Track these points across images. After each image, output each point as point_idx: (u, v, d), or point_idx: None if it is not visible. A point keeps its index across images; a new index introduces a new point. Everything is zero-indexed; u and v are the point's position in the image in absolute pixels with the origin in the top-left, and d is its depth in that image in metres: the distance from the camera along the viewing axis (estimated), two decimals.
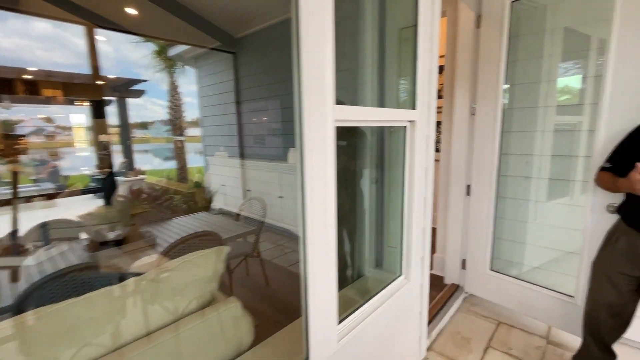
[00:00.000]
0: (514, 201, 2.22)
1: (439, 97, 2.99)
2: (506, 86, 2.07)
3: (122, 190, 4.53)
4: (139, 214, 3.35)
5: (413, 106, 1.38)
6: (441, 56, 2.45)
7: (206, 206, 4.87)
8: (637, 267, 1.36)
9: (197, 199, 5.31)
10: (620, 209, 1.48)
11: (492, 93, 2.08)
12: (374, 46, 1.54)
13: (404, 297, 1.50)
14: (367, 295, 1.39)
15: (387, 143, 1.64)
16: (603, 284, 1.48)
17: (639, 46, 1.54)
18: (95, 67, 3.25)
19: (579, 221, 1.83)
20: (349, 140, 2.08)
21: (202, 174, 5.79)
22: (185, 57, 5.72)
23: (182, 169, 7.09)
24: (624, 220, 1.43)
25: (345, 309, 1.26)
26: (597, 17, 1.83)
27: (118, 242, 2.25)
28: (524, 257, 2.23)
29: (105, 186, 3.62)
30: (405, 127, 1.39)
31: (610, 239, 1.47)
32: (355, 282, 1.58)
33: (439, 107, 2.61)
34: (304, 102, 0.83)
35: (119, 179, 5.46)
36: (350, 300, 1.37)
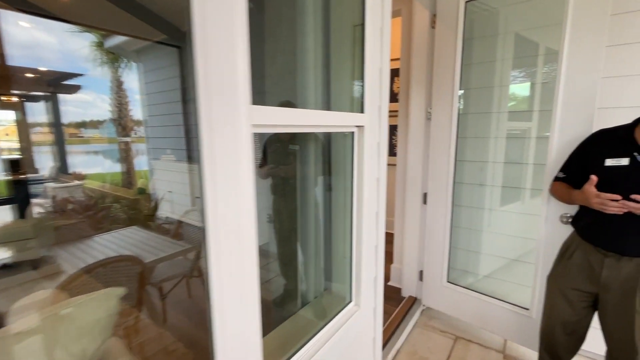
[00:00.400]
0: (470, 209, 2.14)
1: (396, 100, 2.89)
2: (461, 92, 1.99)
3: (44, 199, 3.95)
4: (61, 229, 2.87)
5: (361, 110, 1.20)
6: (397, 59, 2.34)
7: (151, 215, 4.40)
8: (593, 283, 1.29)
9: (140, 207, 4.80)
10: (574, 221, 1.42)
11: (447, 96, 1.98)
12: (322, 44, 1.34)
13: (355, 326, 1.32)
14: (310, 330, 1.18)
15: (341, 149, 1.45)
16: (558, 301, 1.40)
17: (589, 54, 1.50)
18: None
19: (533, 230, 1.78)
20: (301, 144, 1.88)
21: (147, 179, 5.28)
22: (127, 50, 5.18)
23: (129, 173, 6.45)
24: (578, 233, 1.36)
25: (283, 352, 1.04)
26: (547, 23, 1.79)
27: (22, 267, 1.84)
28: (480, 267, 2.17)
29: (18, 195, 3.08)
30: (353, 132, 1.21)
31: (565, 252, 1.40)
32: (296, 314, 1.36)
33: (395, 111, 2.50)
34: (200, 100, 0.60)
35: (50, 185, 4.79)
36: (290, 339, 1.16)
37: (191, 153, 4.42)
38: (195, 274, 2.25)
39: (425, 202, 2.21)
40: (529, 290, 1.81)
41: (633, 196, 1.10)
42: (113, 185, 6.13)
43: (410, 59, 2.18)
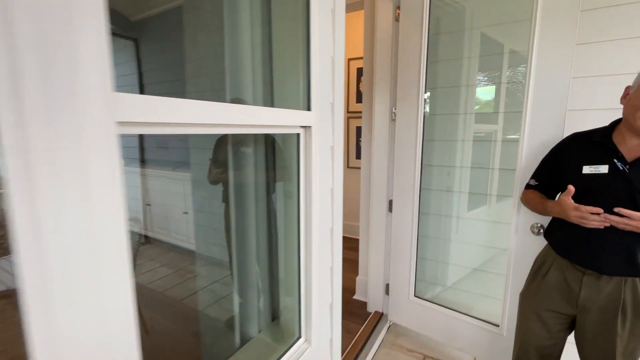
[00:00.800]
0: (438, 218, 2.00)
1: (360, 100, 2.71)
2: (427, 95, 1.84)
3: None
4: None
5: (307, 107, 0.98)
6: (360, 58, 2.16)
7: None
8: (571, 304, 1.16)
9: None
10: (548, 234, 1.29)
11: (412, 96, 1.83)
12: (261, 25, 1.11)
13: None
14: None
15: (295, 153, 1.23)
16: (532, 323, 1.26)
17: (559, 52, 1.39)
18: None
19: (504, 240, 1.66)
20: (255, 147, 1.64)
21: None
22: None
23: None
24: (553, 247, 1.23)
25: None
26: (515, 19, 1.68)
27: None
28: (449, 279, 2.03)
29: None
30: (298, 134, 0.99)
31: (539, 270, 1.27)
32: (234, 356, 1.12)
33: (359, 112, 2.32)
34: None
35: None
36: None
37: (143, 155, 4.00)
38: None
39: (390, 210, 2.04)
40: (499, 303, 1.68)
41: (617, 209, 0.97)
42: None
43: (373, 54, 2.01)
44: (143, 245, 3.59)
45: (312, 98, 0.96)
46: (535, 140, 1.47)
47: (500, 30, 1.75)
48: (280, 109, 0.86)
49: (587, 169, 1.08)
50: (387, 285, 2.13)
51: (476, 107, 1.87)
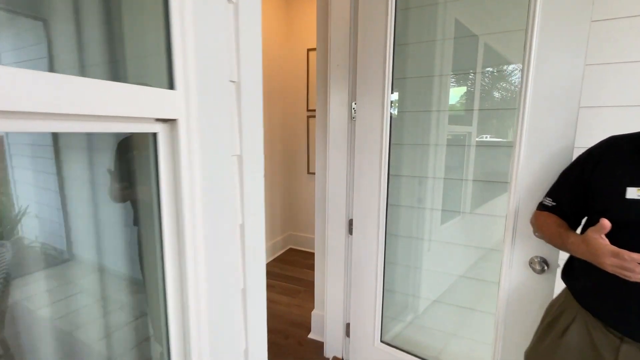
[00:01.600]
0: (410, 241, 1.61)
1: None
2: (394, 96, 1.44)
3: None
4: None
5: (169, 83, 0.52)
6: (314, 49, 1.73)
7: None
8: None
9: None
10: (568, 275, 0.91)
11: (377, 86, 1.41)
12: None
13: None
14: None
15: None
16: None
17: (570, 29, 1.03)
18: None
19: (491, 270, 1.29)
20: None
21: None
22: None
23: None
24: (577, 298, 0.86)
25: None
26: None
27: None
28: (423, 318, 1.64)
29: None
30: (154, 134, 0.53)
31: (555, 322, 0.89)
32: None
33: (313, 110, 1.89)
34: None
35: None
36: None
37: (59, 156, 3.31)
38: None
39: (351, 231, 1.62)
40: (487, 348, 1.31)
41: None
42: None
43: (328, 34, 1.58)
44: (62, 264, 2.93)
45: (176, 67, 0.50)
46: (535, 146, 1.10)
47: (488, 2, 1.39)
48: (90, 79, 0.40)
49: (633, 193, 0.71)
50: (348, 325, 1.71)
51: (458, 100, 1.50)
